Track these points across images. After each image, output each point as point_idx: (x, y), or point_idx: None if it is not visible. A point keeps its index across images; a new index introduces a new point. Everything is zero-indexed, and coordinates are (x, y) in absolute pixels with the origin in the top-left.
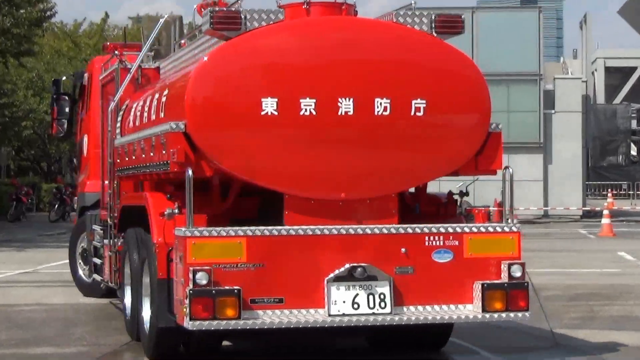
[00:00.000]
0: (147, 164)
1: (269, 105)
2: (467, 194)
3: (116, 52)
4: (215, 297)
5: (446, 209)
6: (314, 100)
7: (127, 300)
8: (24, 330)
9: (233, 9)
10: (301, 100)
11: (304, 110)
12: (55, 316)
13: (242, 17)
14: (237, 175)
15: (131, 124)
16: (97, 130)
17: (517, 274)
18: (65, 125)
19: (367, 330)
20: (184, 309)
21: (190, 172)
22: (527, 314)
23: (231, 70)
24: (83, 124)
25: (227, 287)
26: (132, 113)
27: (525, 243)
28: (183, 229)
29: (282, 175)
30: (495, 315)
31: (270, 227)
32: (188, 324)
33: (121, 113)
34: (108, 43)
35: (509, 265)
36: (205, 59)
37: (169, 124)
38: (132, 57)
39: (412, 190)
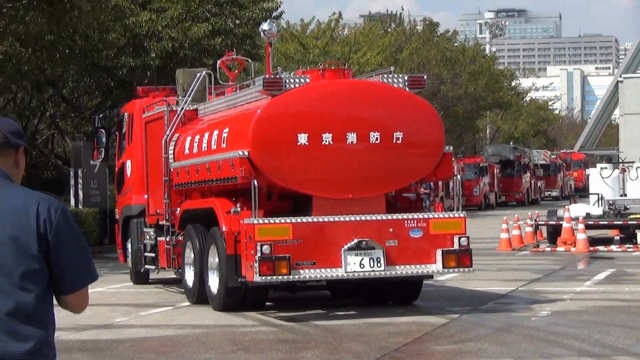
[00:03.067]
0: (216, 179)
1: (302, 138)
2: None
3: (165, 98)
4: (274, 261)
5: (415, 204)
6: (331, 134)
7: (189, 276)
8: (251, 354)
9: (277, 76)
10: (322, 135)
11: (324, 141)
12: (282, 337)
13: (283, 81)
14: (282, 185)
15: (187, 151)
16: (140, 156)
17: (464, 243)
18: (103, 153)
19: (371, 282)
20: (255, 270)
21: (255, 182)
22: (471, 269)
23: (277, 117)
24: (126, 152)
25: (281, 255)
26: (186, 143)
27: None
28: (252, 218)
29: (311, 184)
30: (450, 270)
31: (305, 217)
32: (258, 279)
33: (173, 144)
34: (139, 87)
35: (459, 238)
36: (259, 111)
37: (237, 152)
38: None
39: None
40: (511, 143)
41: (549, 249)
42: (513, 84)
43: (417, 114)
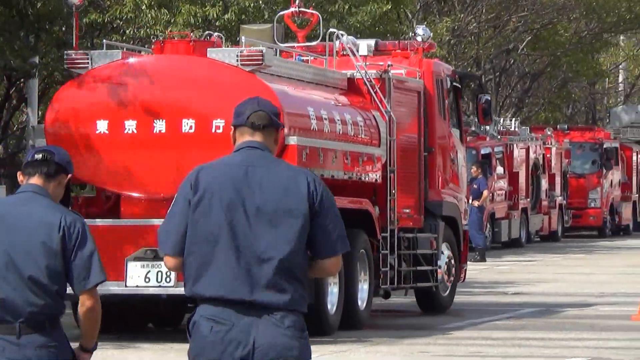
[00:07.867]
0: None
1: (102, 126)
2: None
3: None
4: None
5: None
6: (135, 122)
7: None
8: None
9: (82, 52)
10: (125, 122)
11: (127, 129)
12: None
13: (89, 58)
14: (86, 182)
15: None
16: None
17: None
18: None
19: (158, 300)
20: None
21: None
22: None
23: (74, 101)
24: None
25: None
26: None
27: None
28: None
29: (116, 179)
30: None
31: (89, 219)
32: None
33: None
34: None
35: None
36: (54, 95)
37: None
38: None
39: None
40: None
41: None
42: None
43: (246, 96)
